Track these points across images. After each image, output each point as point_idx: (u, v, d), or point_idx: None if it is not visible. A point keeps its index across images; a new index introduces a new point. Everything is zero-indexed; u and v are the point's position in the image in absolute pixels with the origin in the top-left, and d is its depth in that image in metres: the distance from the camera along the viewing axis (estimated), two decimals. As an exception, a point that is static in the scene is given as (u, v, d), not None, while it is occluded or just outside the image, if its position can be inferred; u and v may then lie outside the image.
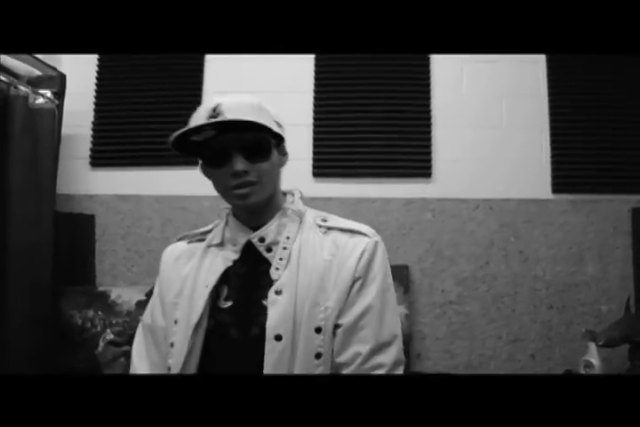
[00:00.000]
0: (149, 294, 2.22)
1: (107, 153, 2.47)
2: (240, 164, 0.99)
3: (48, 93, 2.13)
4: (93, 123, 2.47)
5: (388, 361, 0.98)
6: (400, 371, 1.01)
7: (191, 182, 2.40)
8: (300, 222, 1.10)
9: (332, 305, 1.00)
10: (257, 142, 1.01)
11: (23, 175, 2.02)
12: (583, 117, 2.41)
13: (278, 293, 1.00)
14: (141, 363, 1.11)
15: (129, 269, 2.37)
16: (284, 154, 1.12)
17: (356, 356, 0.98)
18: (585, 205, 2.35)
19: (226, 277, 1.06)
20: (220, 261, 1.07)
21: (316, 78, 2.47)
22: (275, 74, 2.47)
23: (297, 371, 0.95)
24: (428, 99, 2.44)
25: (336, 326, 1.00)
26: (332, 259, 1.03)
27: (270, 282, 1.02)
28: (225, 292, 1.05)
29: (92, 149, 2.46)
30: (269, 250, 1.05)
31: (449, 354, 2.25)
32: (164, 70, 2.50)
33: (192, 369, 1.00)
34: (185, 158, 2.35)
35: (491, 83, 2.47)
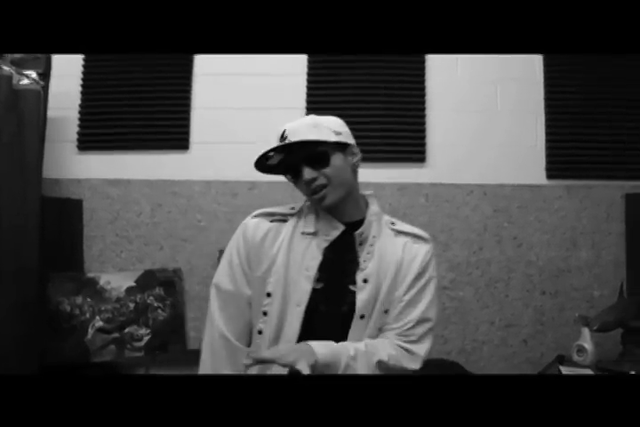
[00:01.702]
0: (139, 281, 2.24)
1: (94, 136, 2.41)
2: (307, 173, 1.20)
3: (33, 74, 2.07)
4: (81, 105, 2.41)
5: (417, 333, 1.24)
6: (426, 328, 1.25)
7: (182, 166, 2.39)
8: (380, 224, 1.30)
9: (398, 294, 1.24)
10: (317, 153, 1.21)
11: (8, 159, 1.96)
12: (578, 103, 2.39)
13: (365, 281, 1.22)
14: (228, 326, 1.26)
15: (118, 254, 2.33)
16: (352, 154, 1.28)
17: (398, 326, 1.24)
18: (579, 190, 2.35)
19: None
20: (315, 249, 1.25)
21: (310, 62, 2.42)
22: (268, 59, 2.40)
23: (365, 339, 1.20)
24: (423, 83, 2.41)
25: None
26: (402, 259, 1.26)
27: (354, 270, 1.23)
28: (317, 275, 1.22)
29: (79, 133, 2.40)
30: (360, 243, 1.25)
31: (442, 339, 2.25)
32: (153, 51, 2.43)
33: (286, 335, 1.20)
34: (174, 142, 2.37)
35: (485, 68, 2.44)
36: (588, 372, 1.89)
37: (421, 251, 1.29)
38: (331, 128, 1.24)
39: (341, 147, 1.25)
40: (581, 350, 1.97)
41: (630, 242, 2.31)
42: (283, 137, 1.22)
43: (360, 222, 1.27)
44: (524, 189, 2.35)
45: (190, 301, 2.30)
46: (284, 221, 1.31)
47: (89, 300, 2.15)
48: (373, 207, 1.31)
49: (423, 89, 2.41)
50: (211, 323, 1.29)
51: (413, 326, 1.23)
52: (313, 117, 1.27)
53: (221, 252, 2.35)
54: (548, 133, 2.39)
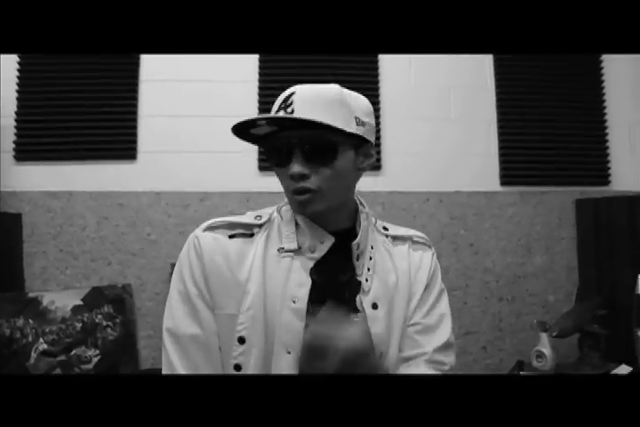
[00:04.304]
0: (86, 299, 2.12)
1: (33, 146, 2.25)
2: (297, 166, 0.88)
3: (-37, 80, 1.92)
4: (17, 112, 2.25)
5: (448, 361, 0.99)
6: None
7: (129, 177, 2.27)
8: (374, 230, 1.04)
9: (410, 314, 0.99)
10: (321, 144, 0.89)
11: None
12: (529, 111, 2.44)
13: (375, 307, 0.94)
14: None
15: (62, 271, 2.19)
16: (366, 156, 0.97)
17: (422, 353, 0.97)
18: (532, 197, 2.38)
19: None
20: (300, 271, 0.93)
21: (262, 68, 2.36)
22: (218, 65, 2.33)
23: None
24: (377, 90, 2.39)
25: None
26: (407, 271, 1.00)
27: (355, 293, 0.94)
28: (307, 306, 0.91)
29: (15, 142, 2.24)
30: (357, 258, 0.97)
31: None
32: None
33: None
34: (120, 152, 2.25)
35: (439, 76, 2.44)
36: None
37: (425, 259, 1.03)
38: (355, 113, 0.91)
39: (357, 142, 0.93)
40: (540, 355, 2.00)
41: (581, 247, 2.36)
42: (286, 103, 0.89)
43: (349, 231, 0.98)
44: (479, 196, 2.36)
45: (141, 318, 2.19)
46: (250, 235, 0.98)
47: (31, 321, 2.01)
48: (365, 210, 1.02)
49: (377, 97, 2.38)
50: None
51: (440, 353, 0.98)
52: (340, 90, 0.92)
53: (173, 265, 2.28)
54: (500, 140, 2.42)
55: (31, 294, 2.05)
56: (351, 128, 0.89)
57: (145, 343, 2.18)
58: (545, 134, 2.42)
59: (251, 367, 0.89)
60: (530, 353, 2.04)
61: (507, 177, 2.39)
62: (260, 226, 0.99)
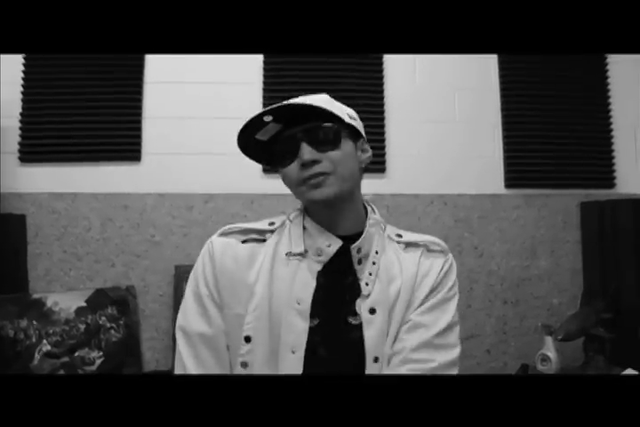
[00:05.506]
0: (90, 300, 2.12)
1: (37, 147, 2.25)
2: (308, 152, 0.92)
3: (-31, 81, 1.92)
4: (22, 114, 2.25)
5: (433, 358, 0.94)
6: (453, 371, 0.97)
7: (132, 179, 2.27)
8: (383, 236, 1.04)
9: (412, 318, 0.97)
10: (325, 131, 0.94)
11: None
12: (534, 113, 2.43)
13: (372, 311, 0.95)
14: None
15: (66, 273, 2.19)
16: (362, 150, 1.03)
17: (401, 349, 0.95)
18: (537, 199, 2.38)
19: None
20: (306, 274, 0.96)
21: (266, 69, 2.35)
22: (222, 67, 2.34)
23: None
24: (382, 93, 2.38)
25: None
26: (413, 277, 0.99)
27: (355, 296, 0.96)
28: (311, 308, 0.95)
29: (20, 143, 2.25)
30: (359, 262, 0.98)
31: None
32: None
33: None
34: (125, 153, 2.25)
35: (444, 77, 2.44)
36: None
37: (436, 263, 1.02)
38: (347, 111, 1.00)
39: (353, 135, 1.00)
40: (545, 359, 1.99)
41: (586, 250, 2.36)
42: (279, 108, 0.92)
43: (358, 236, 0.99)
44: (483, 199, 2.36)
45: (145, 320, 2.19)
46: (262, 240, 1.02)
47: (35, 323, 2.01)
48: (374, 216, 1.04)
49: (382, 99, 2.38)
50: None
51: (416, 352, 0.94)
52: (327, 96, 1.01)
53: (177, 267, 2.29)
54: (505, 143, 2.41)
55: (35, 296, 2.05)
56: (348, 120, 0.96)
57: (148, 345, 2.17)
58: (550, 137, 2.42)
59: (256, 366, 0.93)
60: (534, 356, 2.03)
61: (511, 180, 2.39)
62: (272, 231, 1.04)
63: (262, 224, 1.05)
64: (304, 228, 1.02)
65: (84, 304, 2.09)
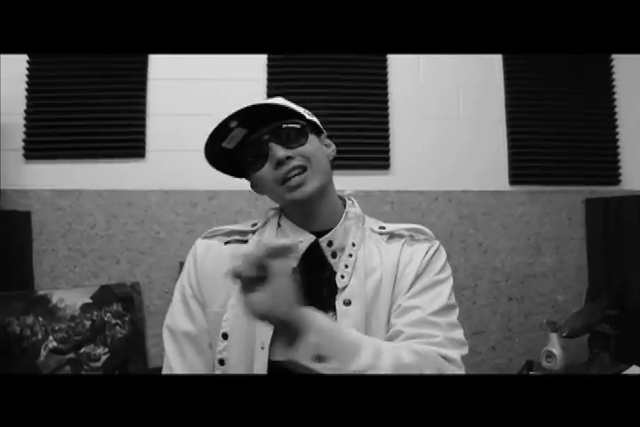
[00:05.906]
0: (95, 297, 2.12)
1: (42, 144, 2.25)
2: (278, 151, 0.93)
3: (-27, 78, 1.93)
4: (26, 111, 2.25)
5: (433, 333, 0.89)
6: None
7: (138, 176, 2.27)
8: (363, 228, 1.03)
9: (402, 303, 0.94)
10: (291, 128, 0.96)
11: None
12: (539, 109, 2.43)
13: (347, 303, 0.94)
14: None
15: (71, 269, 2.19)
16: (326, 145, 1.06)
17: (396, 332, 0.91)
18: (541, 196, 2.37)
19: None
20: None
21: (270, 66, 2.35)
22: (226, 64, 2.33)
23: None
24: (386, 89, 2.38)
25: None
26: (394, 267, 0.97)
27: (334, 291, 0.95)
28: None
29: (25, 140, 2.25)
30: (334, 255, 0.98)
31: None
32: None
33: None
34: (129, 150, 2.25)
35: (448, 74, 2.43)
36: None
37: (419, 251, 0.99)
38: (303, 110, 1.02)
39: (315, 131, 1.02)
40: (550, 355, 1.99)
41: (591, 246, 2.35)
42: (239, 115, 0.93)
43: None
44: (487, 196, 2.35)
45: (150, 316, 2.19)
46: (244, 241, 1.04)
47: (40, 319, 2.01)
48: (352, 209, 1.04)
49: (386, 95, 2.38)
50: (169, 372, 1.00)
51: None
52: (282, 98, 1.04)
53: (182, 264, 2.28)
54: (510, 139, 2.40)
55: (40, 292, 2.06)
56: (309, 116, 1.00)
57: (154, 341, 2.18)
58: (554, 133, 2.41)
59: (233, 363, 0.95)
60: (539, 353, 2.03)
61: (516, 176, 2.38)
62: (254, 232, 1.06)
63: (245, 226, 1.07)
64: (279, 226, 1.04)
65: (90, 301, 2.10)
